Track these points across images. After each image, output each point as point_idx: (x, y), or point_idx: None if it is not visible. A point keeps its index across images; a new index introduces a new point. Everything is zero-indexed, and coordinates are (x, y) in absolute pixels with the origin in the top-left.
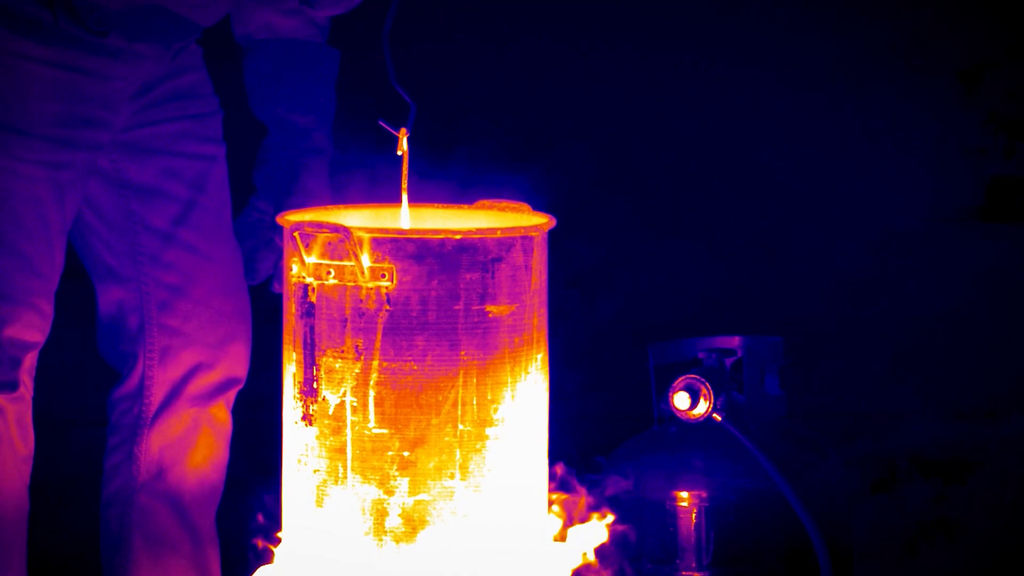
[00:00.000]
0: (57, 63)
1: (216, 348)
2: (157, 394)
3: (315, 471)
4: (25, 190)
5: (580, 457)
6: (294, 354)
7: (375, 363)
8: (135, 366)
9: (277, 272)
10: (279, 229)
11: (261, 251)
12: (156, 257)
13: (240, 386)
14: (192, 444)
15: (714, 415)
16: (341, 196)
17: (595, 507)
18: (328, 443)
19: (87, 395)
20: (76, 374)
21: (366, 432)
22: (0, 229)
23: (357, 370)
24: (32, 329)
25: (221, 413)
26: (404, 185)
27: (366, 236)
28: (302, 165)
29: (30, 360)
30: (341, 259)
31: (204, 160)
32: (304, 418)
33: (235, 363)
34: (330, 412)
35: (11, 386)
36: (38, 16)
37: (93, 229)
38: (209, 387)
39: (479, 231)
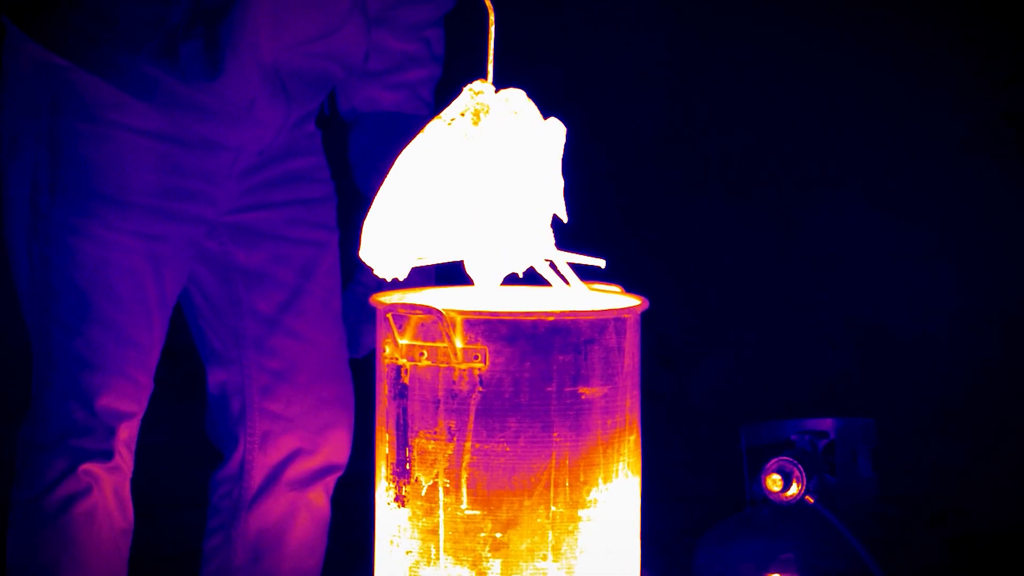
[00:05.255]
0: (160, 134)
1: (317, 434)
2: (256, 478)
3: (407, 552)
4: (120, 260)
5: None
6: (387, 435)
7: (468, 444)
8: (236, 449)
9: None
10: None
11: (365, 325)
12: (260, 342)
13: (340, 473)
14: (289, 529)
15: (806, 497)
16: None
17: None
18: (420, 524)
19: (181, 475)
20: (169, 454)
21: (459, 513)
22: (94, 299)
23: (450, 451)
24: (126, 399)
25: (320, 499)
26: (490, 44)
27: (459, 317)
28: None
29: (127, 431)
30: (434, 340)
31: (314, 246)
32: (397, 499)
33: (335, 450)
34: (423, 493)
35: (106, 455)
36: (154, 76)
37: (200, 311)
38: (308, 472)
39: (572, 313)
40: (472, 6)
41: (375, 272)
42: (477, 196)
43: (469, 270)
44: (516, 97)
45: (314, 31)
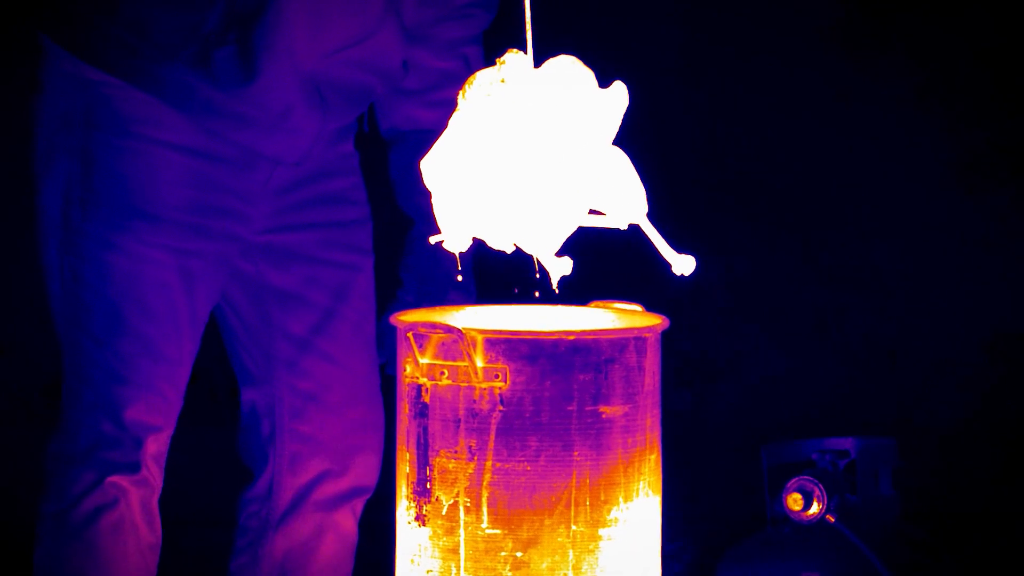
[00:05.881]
0: (194, 150)
1: (345, 456)
2: (284, 498)
3: (428, 571)
4: (152, 275)
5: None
6: (407, 454)
7: (488, 463)
8: (265, 469)
9: None
10: None
11: None
12: (291, 364)
13: (368, 495)
14: (316, 549)
15: (827, 516)
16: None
17: None
18: (441, 543)
19: (209, 494)
20: (198, 473)
21: (479, 532)
22: (125, 313)
23: (470, 470)
24: (155, 412)
25: (347, 521)
26: (527, 12)
27: (479, 337)
28: (444, 255)
29: (155, 445)
30: (455, 359)
31: (348, 269)
32: (417, 518)
33: (364, 472)
34: (443, 512)
35: (132, 468)
36: (190, 84)
37: (233, 332)
38: (336, 494)
39: (593, 332)
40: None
41: (443, 246)
42: (476, 167)
43: (516, 241)
44: (519, 64)
45: (348, 36)
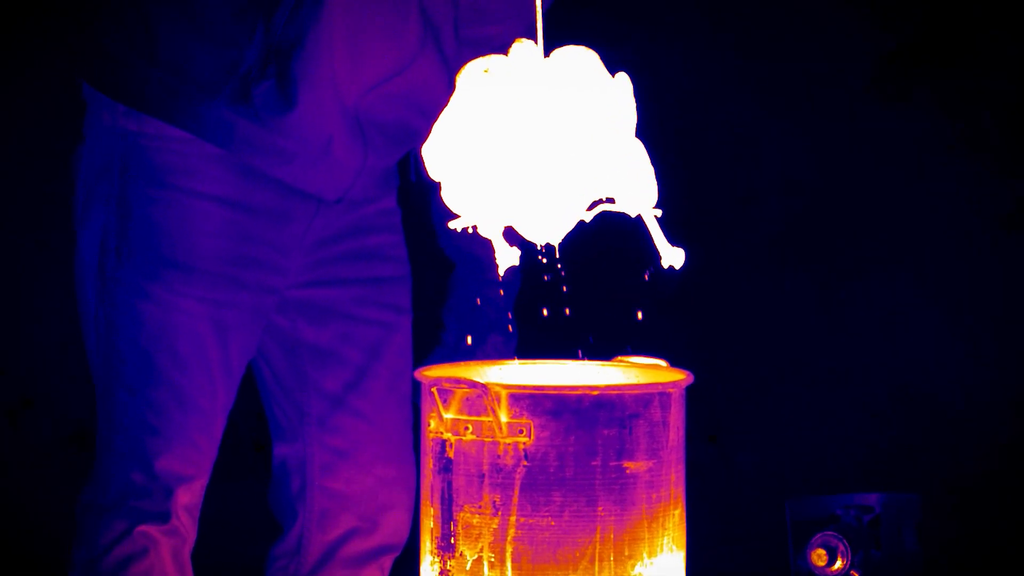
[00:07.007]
0: (229, 201)
1: (375, 514)
2: (312, 554)
3: None
4: (184, 325)
5: None
6: (431, 509)
7: (512, 519)
8: (294, 524)
9: None
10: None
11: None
12: (323, 420)
13: (396, 553)
14: None
15: (852, 572)
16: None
17: None
18: None
19: (238, 548)
20: (228, 527)
21: None
22: (157, 363)
23: (494, 526)
24: (186, 462)
25: None
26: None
27: (504, 392)
28: (483, 296)
29: (187, 495)
30: (479, 415)
31: (384, 327)
32: (441, 573)
33: (393, 531)
34: (467, 568)
35: (163, 517)
36: (230, 121)
37: (267, 386)
38: (364, 551)
39: (617, 387)
40: None
41: (475, 230)
42: (481, 152)
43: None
44: (529, 52)
45: (387, 64)
